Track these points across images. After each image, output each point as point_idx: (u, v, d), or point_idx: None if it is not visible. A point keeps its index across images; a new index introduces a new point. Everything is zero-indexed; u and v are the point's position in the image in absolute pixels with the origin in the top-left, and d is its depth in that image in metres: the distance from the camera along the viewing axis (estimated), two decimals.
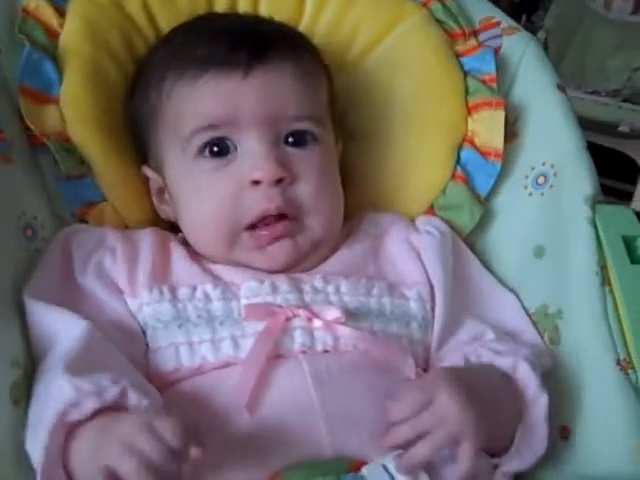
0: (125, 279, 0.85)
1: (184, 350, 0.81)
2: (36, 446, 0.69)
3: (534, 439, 0.79)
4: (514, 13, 2.91)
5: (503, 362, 0.83)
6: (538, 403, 0.80)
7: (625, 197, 2.40)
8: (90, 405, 0.69)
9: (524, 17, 2.86)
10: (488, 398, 0.77)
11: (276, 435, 0.74)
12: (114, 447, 0.65)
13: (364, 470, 0.73)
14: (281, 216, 0.87)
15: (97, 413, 0.69)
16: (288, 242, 0.88)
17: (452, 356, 0.86)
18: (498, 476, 0.78)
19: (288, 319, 0.82)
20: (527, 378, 0.81)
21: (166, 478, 0.65)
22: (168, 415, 0.68)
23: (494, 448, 0.78)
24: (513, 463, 0.78)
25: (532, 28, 2.72)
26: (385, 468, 0.73)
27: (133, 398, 0.70)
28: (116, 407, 0.70)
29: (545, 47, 2.62)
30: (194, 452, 0.65)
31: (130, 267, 0.86)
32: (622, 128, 2.44)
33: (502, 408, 0.79)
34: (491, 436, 0.75)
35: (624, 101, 2.49)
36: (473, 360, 0.84)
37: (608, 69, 2.75)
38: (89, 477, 0.68)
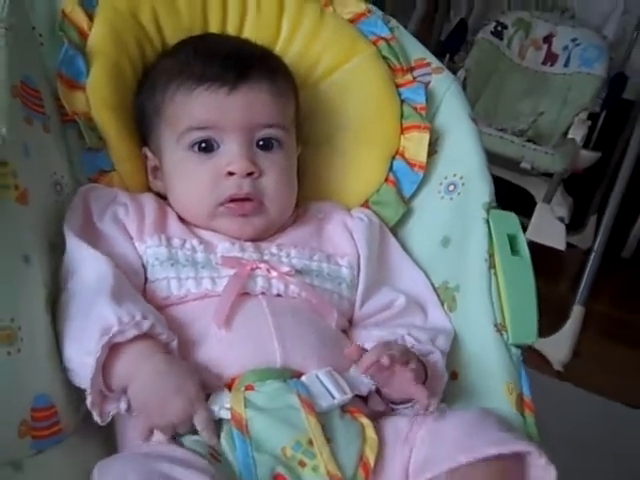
0: (135, 227, 1.04)
1: (174, 283, 1.00)
2: (83, 354, 0.88)
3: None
4: (439, 52, 3.13)
5: (422, 348, 1.01)
6: (443, 378, 1.01)
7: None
8: (131, 334, 0.89)
9: (447, 56, 2.93)
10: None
11: (241, 348, 0.94)
12: (181, 398, 0.88)
13: (303, 378, 0.92)
14: (247, 199, 1.08)
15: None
16: (252, 218, 1.09)
17: (382, 333, 1.04)
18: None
19: (252, 269, 1.02)
20: (437, 362, 1.01)
21: None
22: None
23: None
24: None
25: (454, 67, 2.75)
26: (318, 378, 0.93)
27: (162, 334, 0.92)
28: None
29: (464, 85, 2.66)
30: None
31: (139, 219, 1.05)
32: (524, 165, 2.56)
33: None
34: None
35: (528, 141, 2.62)
36: (399, 342, 1.01)
37: (517, 111, 2.87)
38: (122, 385, 0.89)
